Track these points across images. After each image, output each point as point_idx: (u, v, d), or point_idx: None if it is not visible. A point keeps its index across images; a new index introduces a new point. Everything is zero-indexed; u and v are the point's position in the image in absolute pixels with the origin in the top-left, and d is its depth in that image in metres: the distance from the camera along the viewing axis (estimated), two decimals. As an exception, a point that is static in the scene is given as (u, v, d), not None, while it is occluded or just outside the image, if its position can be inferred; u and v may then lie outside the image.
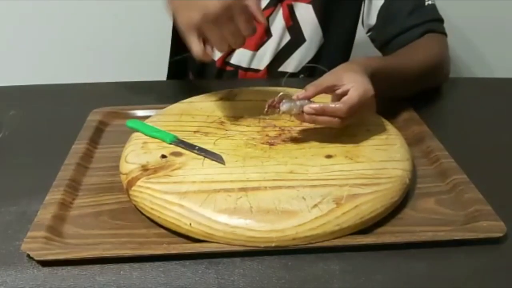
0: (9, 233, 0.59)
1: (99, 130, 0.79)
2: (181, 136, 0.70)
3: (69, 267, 0.54)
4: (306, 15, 0.99)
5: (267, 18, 0.99)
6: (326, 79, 0.68)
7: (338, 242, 0.55)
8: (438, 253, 0.56)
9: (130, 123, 0.74)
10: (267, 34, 1.00)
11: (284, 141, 0.69)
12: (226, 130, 0.72)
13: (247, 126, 0.73)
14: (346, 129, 0.71)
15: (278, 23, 0.99)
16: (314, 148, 0.68)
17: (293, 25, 0.99)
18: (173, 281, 0.52)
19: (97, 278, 0.53)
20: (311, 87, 0.67)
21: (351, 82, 0.66)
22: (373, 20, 0.96)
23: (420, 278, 0.53)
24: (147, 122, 0.74)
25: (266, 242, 0.55)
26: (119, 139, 0.74)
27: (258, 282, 0.52)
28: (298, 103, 0.66)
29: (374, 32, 0.97)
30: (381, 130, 0.72)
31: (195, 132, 0.72)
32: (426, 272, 0.54)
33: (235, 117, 0.75)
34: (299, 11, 0.99)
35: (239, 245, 0.55)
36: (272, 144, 0.69)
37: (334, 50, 1.02)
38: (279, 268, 0.54)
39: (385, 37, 0.94)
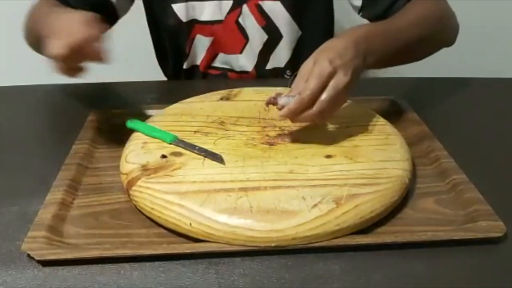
0: (10, 233, 0.59)
1: (99, 130, 0.79)
2: (181, 136, 0.70)
3: (69, 267, 0.54)
4: (277, 12, 0.98)
5: (236, 21, 0.98)
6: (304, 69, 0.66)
7: (338, 242, 0.56)
8: (438, 253, 0.56)
9: (130, 123, 0.74)
10: (245, 37, 1.00)
11: (284, 141, 0.69)
12: (226, 130, 0.72)
13: (247, 126, 0.73)
14: (346, 129, 0.71)
15: (251, 25, 0.98)
16: (314, 148, 0.68)
17: (267, 24, 0.98)
18: (173, 281, 0.53)
19: (97, 278, 0.53)
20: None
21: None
22: (358, 1, 0.94)
23: (420, 278, 0.53)
24: (147, 122, 0.74)
25: (266, 242, 0.55)
26: (119, 139, 0.74)
27: (258, 282, 0.52)
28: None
29: (364, 12, 0.95)
30: (381, 130, 0.72)
31: (195, 132, 0.72)
32: (426, 272, 0.54)
33: (235, 117, 0.75)
34: (268, 9, 0.97)
35: (239, 245, 0.55)
36: (272, 144, 0.69)
37: (314, 38, 0.99)
38: (279, 268, 0.54)
39: (377, 13, 0.91)
